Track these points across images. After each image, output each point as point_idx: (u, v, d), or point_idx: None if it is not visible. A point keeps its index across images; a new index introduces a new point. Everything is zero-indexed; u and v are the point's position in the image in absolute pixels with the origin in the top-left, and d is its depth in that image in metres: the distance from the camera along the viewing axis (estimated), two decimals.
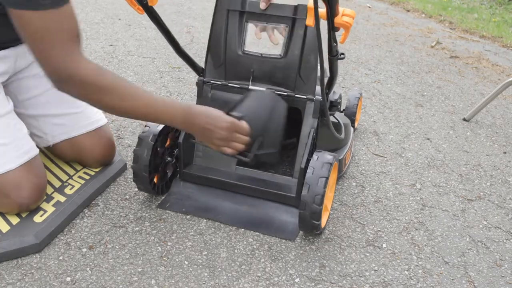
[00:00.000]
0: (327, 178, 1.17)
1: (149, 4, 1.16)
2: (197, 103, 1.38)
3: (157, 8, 1.20)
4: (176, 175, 1.42)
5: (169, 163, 1.39)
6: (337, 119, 1.54)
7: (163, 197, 1.39)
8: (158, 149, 1.31)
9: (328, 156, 1.21)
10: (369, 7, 4.49)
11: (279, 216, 1.32)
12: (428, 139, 1.96)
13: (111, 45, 2.64)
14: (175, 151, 1.40)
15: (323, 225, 1.25)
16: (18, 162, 1.19)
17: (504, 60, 3.23)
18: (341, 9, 1.08)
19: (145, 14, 1.22)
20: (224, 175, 1.36)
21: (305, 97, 1.31)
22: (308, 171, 1.19)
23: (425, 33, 3.71)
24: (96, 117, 1.43)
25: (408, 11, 4.54)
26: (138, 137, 1.28)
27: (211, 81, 1.38)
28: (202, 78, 1.39)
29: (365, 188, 1.56)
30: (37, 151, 1.26)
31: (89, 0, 3.46)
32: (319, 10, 1.05)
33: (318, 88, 1.30)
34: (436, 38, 3.54)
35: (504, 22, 4.33)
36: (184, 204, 1.36)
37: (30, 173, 1.21)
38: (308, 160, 1.25)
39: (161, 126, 1.29)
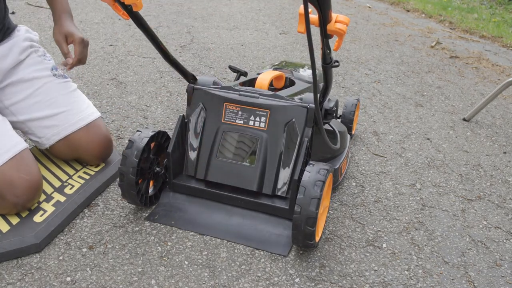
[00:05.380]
0: (323, 182, 1.12)
1: (134, 9, 1.09)
2: (186, 113, 1.34)
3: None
4: (166, 185, 1.37)
5: (158, 173, 1.33)
6: (332, 127, 1.47)
7: (152, 209, 1.34)
8: (143, 165, 1.25)
9: (324, 166, 1.16)
10: (369, 7, 4.49)
11: (271, 229, 1.27)
12: (428, 139, 1.96)
13: (111, 45, 2.64)
14: (165, 161, 1.33)
15: (317, 238, 1.20)
16: (5, 157, 1.17)
17: (504, 60, 3.23)
18: (334, 15, 1.04)
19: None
20: (214, 186, 1.31)
21: (297, 104, 1.26)
22: (304, 176, 1.13)
23: (425, 33, 3.71)
24: (86, 112, 1.41)
25: (408, 11, 4.54)
26: (122, 154, 1.22)
27: (203, 88, 1.33)
28: (193, 85, 1.33)
29: (365, 188, 1.56)
30: (25, 145, 1.24)
31: (89, 0, 3.46)
32: (311, 16, 1.01)
33: (311, 96, 1.26)
34: (436, 38, 3.54)
35: (504, 22, 4.34)
36: (173, 216, 1.31)
37: (21, 171, 1.19)
38: (301, 171, 1.20)
39: (145, 140, 1.22)
